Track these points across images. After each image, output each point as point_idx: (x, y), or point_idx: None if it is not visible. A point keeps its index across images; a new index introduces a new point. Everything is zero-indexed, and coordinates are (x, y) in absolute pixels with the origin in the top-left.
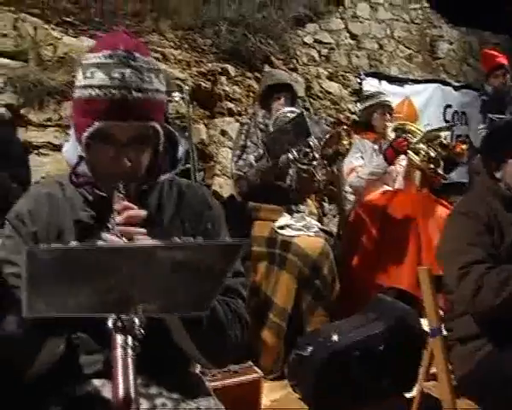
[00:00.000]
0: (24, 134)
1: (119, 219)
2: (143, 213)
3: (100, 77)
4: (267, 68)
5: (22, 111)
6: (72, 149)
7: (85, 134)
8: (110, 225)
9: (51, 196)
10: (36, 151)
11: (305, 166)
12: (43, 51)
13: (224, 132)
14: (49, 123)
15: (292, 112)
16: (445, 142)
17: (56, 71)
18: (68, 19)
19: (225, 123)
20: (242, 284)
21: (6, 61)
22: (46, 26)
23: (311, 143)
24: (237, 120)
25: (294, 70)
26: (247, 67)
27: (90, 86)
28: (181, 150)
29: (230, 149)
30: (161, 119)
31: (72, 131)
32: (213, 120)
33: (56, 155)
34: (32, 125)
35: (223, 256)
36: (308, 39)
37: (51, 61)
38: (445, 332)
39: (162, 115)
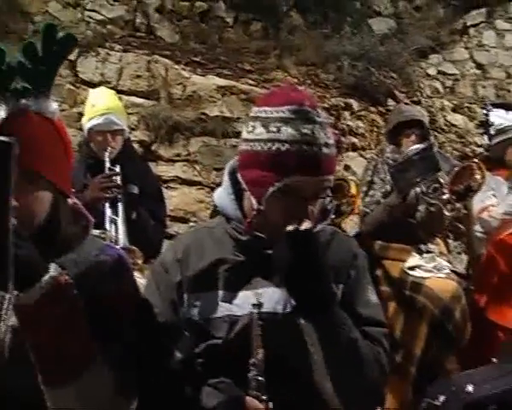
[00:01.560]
0: (154, 169)
1: None
2: None
3: (288, 132)
4: (391, 102)
5: (153, 147)
6: (224, 194)
7: (272, 188)
8: None
9: (201, 245)
10: (165, 185)
11: (434, 202)
12: (173, 90)
13: (347, 167)
14: (177, 158)
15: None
16: None
17: (185, 108)
18: (196, 59)
19: (349, 158)
20: (385, 335)
21: (140, 100)
22: (176, 67)
23: (440, 178)
24: (361, 155)
25: (418, 103)
26: (371, 101)
27: (278, 140)
28: (329, 199)
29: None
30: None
31: (226, 178)
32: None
33: (183, 188)
34: (161, 160)
35: None
36: (432, 71)
37: (180, 99)
38: None
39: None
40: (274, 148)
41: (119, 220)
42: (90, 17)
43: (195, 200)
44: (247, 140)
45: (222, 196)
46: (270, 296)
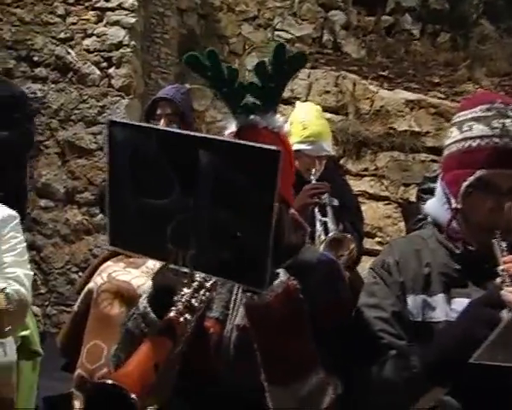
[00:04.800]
0: None
1: (502, 268)
2: None
3: (479, 128)
4: None
5: (341, 161)
6: (438, 204)
7: (465, 183)
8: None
9: (417, 250)
10: None
11: None
12: (361, 105)
13: None
14: (365, 173)
15: None
16: None
17: (373, 123)
18: (383, 73)
19: None
20: None
21: (328, 115)
22: (364, 82)
23: None
24: None
25: None
26: None
27: (470, 138)
28: None
29: None
30: None
31: (438, 187)
32: None
33: (370, 203)
34: (349, 175)
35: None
36: None
37: (368, 114)
38: None
39: None
40: (466, 145)
41: (329, 220)
42: (280, 36)
43: (383, 215)
44: (446, 146)
45: (435, 205)
46: None
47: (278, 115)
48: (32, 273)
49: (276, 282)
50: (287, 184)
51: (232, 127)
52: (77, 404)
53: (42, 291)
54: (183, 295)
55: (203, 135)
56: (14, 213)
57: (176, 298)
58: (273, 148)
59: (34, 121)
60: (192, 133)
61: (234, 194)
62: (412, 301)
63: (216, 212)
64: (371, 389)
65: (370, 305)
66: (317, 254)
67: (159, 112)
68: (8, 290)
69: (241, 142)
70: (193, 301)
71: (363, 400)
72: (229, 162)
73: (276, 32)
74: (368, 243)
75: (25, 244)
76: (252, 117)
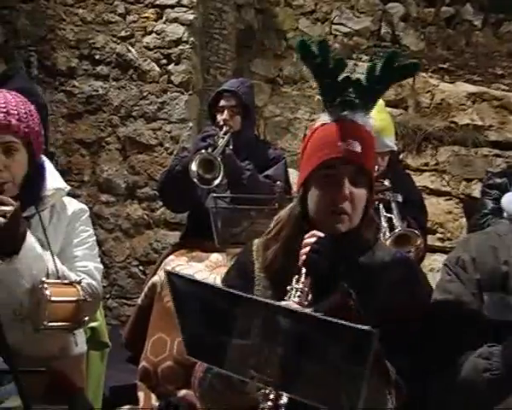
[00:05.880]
0: None
1: None
2: None
3: None
4: None
5: (401, 156)
6: None
7: None
8: None
9: (493, 247)
10: None
11: None
12: (421, 98)
13: None
14: (425, 168)
15: None
16: None
17: (434, 117)
18: (444, 65)
19: None
20: None
21: (388, 109)
22: (424, 74)
23: None
24: None
25: None
26: None
27: None
28: None
29: None
30: None
31: None
32: None
33: (431, 198)
34: (409, 170)
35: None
36: None
37: (429, 108)
38: None
39: None
40: None
41: (395, 216)
42: (338, 30)
43: (443, 211)
44: None
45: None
46: None
47: (370, 117)
48: (101, 267)
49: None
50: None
51: (324, 119)
52: (141, 395)
53: (103, 284)
54: None
55: (287, 307)
56: (84, 206)
57: None
58: (367, 328)
59: None
60: (270, 302)
61: (321, 358)
62: (489, 299)
63: (300, 363)
64: (450, 390)
65: (446, 303)
66: (392, 251)
67: (222, 104)
68: (83, 283)
69: (333, 320)
70: None
71: (442, 400)
72: (316, 335)
73: (334, 26)
74: (428, 240)
75: (95, 238)
76: (346, 112)
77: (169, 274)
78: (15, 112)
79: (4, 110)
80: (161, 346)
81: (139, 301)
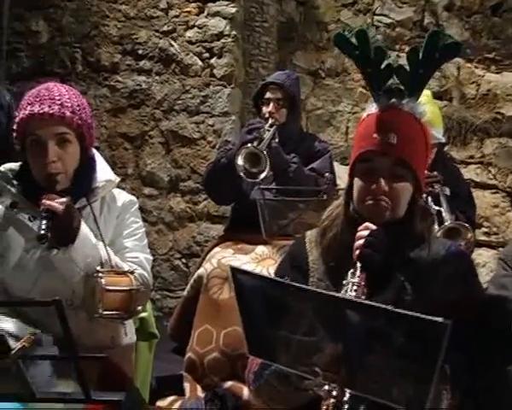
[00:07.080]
0: None
1: None
2: None
3: None
4: None
5: (446, 148)
6: None
7: None
8: None
9: None
10: None
11: None
12: (466, 89)
13: None
14: (470, 160)
15: None
16: None
17: (479, 108)
18: (490, 55)
19: None
20: None
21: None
22: (469, 65)
23: None
24: None
25: None
26: None
27: None
28: None
29: None
30: None
31: None
32: None
33: (477, 192)
34: (454, 162)
35: None
36: None
37: (474, 99)
38: None
39: None
40: None
41: (444, 210)
42: (380, 21)
43: (489, 204)
44: None
45: None
46: None
47: (420, 101)
48: (151, 258)
49: None
50: (423, 171)
51: (372, 109)
52: (187, 386)
53: None
54: None
55: (357, 300)
56: (133, 198)
57: None
58: (440, 320)
59: None
60: (340, 296)
61: (390, 353)
62: None
63: (368, 359)
64: (505, 391)
65: (502, 298)
66: (447, 244)
67: (268, 96)
68: (135, 273)
69: (406, 312)
70: None
71: (500, 398)
72: (387, 329)
73: (376, 17)
74: None
75: (144, 229)
76: (394, 100)
77: (233, 270)
78: (69, 104)
79: (59, 102)
80: (207, 337)
81: (185, 292)
